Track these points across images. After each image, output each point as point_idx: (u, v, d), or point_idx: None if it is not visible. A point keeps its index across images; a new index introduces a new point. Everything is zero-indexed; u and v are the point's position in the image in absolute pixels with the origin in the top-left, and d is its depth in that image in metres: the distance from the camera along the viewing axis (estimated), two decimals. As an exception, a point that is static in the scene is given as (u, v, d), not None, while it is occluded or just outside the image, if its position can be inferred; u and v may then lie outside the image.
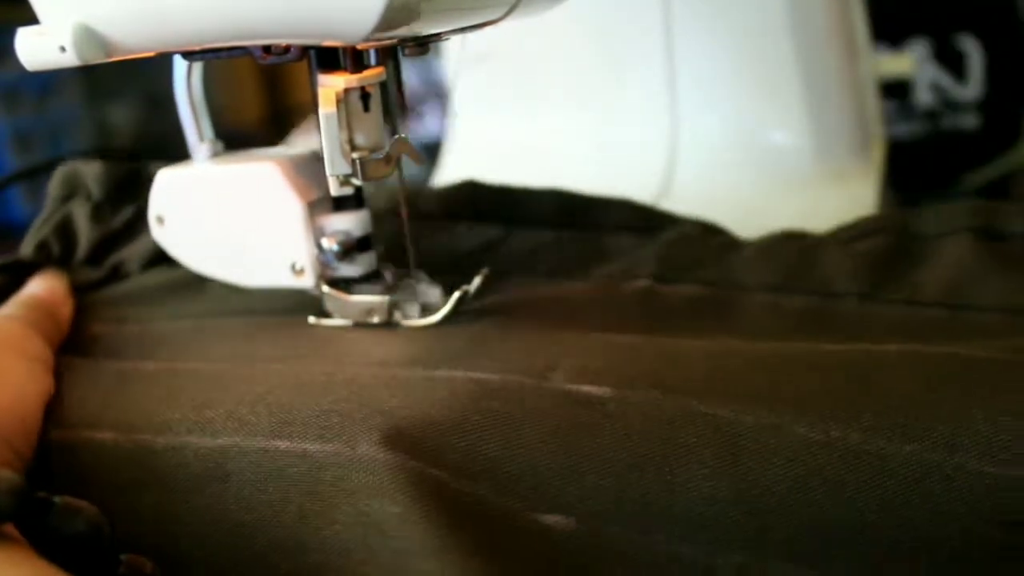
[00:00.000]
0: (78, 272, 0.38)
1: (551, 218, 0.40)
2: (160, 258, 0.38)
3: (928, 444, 0.25)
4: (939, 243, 0.35)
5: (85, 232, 0.39)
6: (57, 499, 0.24)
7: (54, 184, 0.40)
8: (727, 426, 0.26)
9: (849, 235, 0.37)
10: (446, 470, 0.26)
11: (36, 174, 0.82)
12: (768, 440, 0.25)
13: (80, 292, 0.37)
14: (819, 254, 0.36)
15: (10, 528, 0.23)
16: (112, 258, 0.39)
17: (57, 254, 0.39)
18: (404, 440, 0.26)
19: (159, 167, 0.36)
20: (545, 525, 0.25)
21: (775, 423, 0.26)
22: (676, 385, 0.27)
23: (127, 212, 0.40)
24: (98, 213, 0.39)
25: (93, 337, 0.35)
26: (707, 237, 0.39)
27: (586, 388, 0.28)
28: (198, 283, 0.37)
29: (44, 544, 0.23)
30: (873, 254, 0.35)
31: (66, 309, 0.36)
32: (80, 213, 0.39)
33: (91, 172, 0.40)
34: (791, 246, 0.37)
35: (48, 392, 0.31)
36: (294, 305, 0.36)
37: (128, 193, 0.40)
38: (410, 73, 0.81)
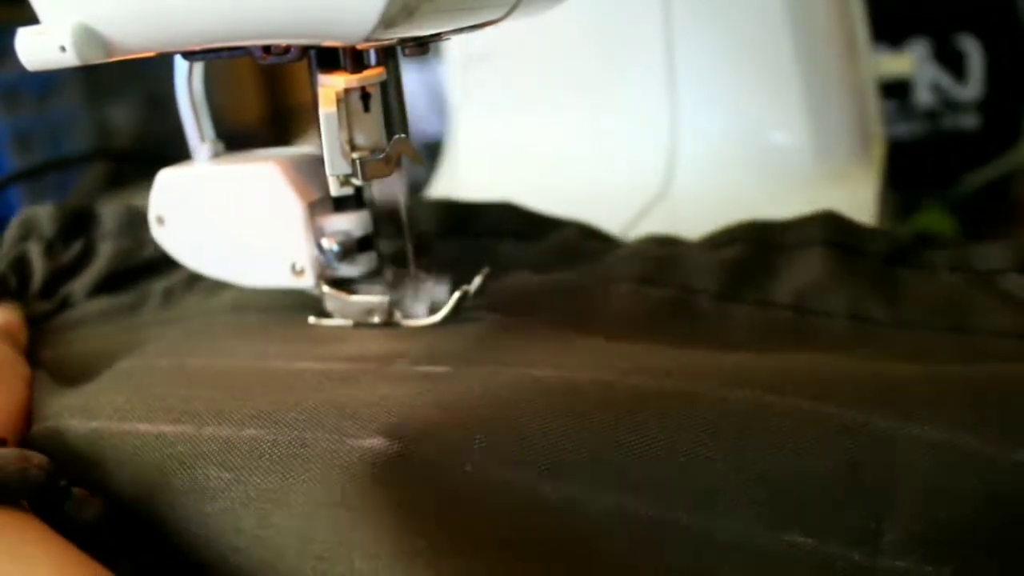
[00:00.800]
0: (33, 305, 0.41)
1: (438, 228, 0.41)
2: (103, 286, 0.41)
3: None
4: (795, 253, 0.38)
5: (39, 268, 0.42)
6: (74, 489, 0.26)
7: (12, 227, 0.43)
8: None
9: (713, 242, 0.39)
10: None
11: (36, 174, 0.82)
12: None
13: (34, 323, 0.40)
14: (683, 254, 0.38)
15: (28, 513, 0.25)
16: (62, 290, 0.42)
17: (14, 288, 0.41)
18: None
19: (108, 206, 0.41)
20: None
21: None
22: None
23: (76, 248, 0.42)
24: (50, 250, 0.42)
25: (43, 362, 0.36)
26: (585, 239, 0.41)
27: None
28: (136, 306, 0.40)
29: (57, 527, 0.25)
30: (732, 259, 0.37)
31: (22, 337, 0.38)
32: (34, 250, 0.42)
33: (44, 213, 0.43)
34: (660, 247, 0.39)
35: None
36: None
37: (78, 230, 0.43)
38: (410, 73, 0.81)
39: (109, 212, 0.43)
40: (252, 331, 0.36)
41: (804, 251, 0.38)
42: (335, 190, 0.33)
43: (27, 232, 0.43)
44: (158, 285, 0.41)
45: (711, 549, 0.25)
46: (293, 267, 0.34)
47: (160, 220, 0.36)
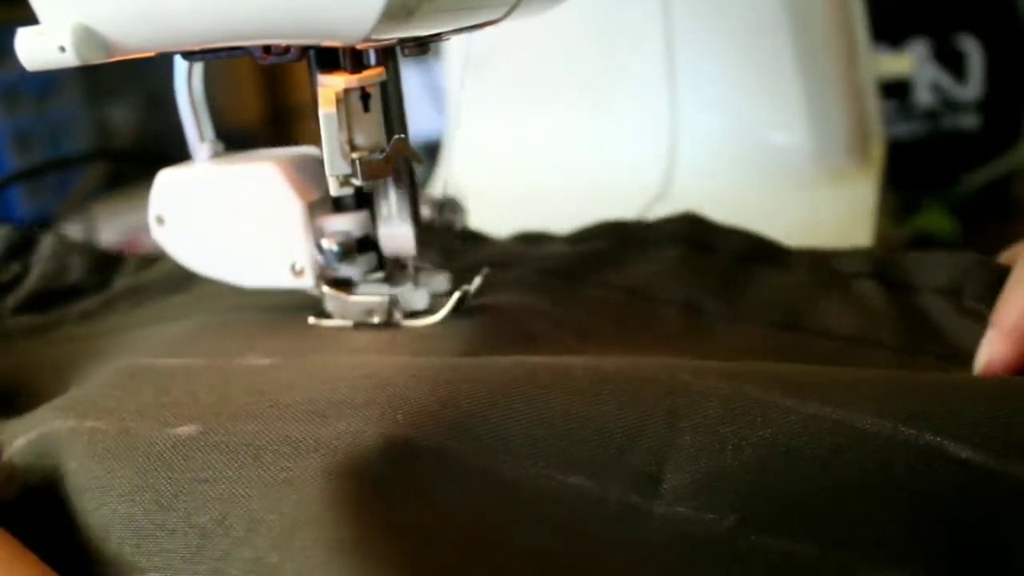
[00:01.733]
0: None
1: None
2: (29, 304, 0.44)
3: None
4: (650, 248, 0.40)
5: None
6: None
7: None
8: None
9: (577, 237, 0.42)
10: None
11: (36, 174, 0.82)
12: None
13: None
14: (546, 245, 0.42)
15: None
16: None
17: None
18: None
19: (48, 232, 0.45)
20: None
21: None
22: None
23: (15, 269, 0.45)
24: None
25: None
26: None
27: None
28: (57, 324, 0.42)
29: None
30: (587, 250, 0.40)
31: None
32: None
33: None
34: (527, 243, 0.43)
35: None
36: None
37: (17, 254, 0.46)
38: (410, 73, 0.81)
39: (46, 239, 0.47)
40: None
41: (658, 246, 0.40)
42: (335, 190, 0.33)
43: None
44: (76, 307, 0.43)
45: (500, 490, 0.25)
46: (293, 267, 0.34)
47: (160, 220, 0.36)
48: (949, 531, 0.25)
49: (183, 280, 0.43)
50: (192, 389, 0.30)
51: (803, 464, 0.25)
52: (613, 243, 0.41)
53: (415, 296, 0.34)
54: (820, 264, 0.39)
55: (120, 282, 0.45)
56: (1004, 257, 0.38)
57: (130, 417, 0.28)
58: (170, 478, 0.26)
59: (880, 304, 0.36)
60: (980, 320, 0.33)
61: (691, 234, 0.40)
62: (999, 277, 0.34)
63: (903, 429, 0.25)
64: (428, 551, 0.23)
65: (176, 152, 0.37)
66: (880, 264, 0.38)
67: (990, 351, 0.32)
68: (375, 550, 0.22)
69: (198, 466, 0.26)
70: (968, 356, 0.33)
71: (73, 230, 0.78)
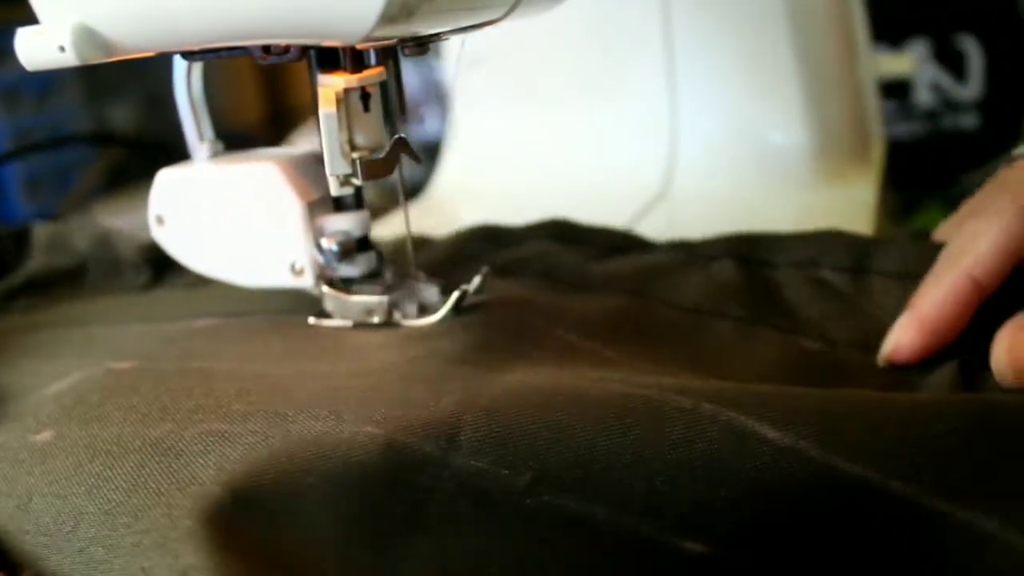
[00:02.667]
0: None
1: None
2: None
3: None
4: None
5: None
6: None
7: None
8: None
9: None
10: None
11: (31, 151, 0.82)
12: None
13: None
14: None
15: None
16: None
17: None
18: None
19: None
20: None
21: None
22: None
23: None
24: None
25: None
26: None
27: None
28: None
29: None
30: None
31: None
32: None
33: None
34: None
35: None
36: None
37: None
38: (410, 73, 0.81)
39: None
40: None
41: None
42: (335, 190, 0.33)
43: None
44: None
45: None
46: (292, 267, 0.34)
47: (160, 220, 0.36)
48: (752, 511, 0.25)
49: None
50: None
51: (605, 431, 0.26)
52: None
53: (414, 302, 0.34)
54: (682, 248, 0.39)
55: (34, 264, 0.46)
56: (938, 233, 0.38)
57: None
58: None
59: (732, 279, 0.37)
60: (836, 293, 0.34)
61: (558, 230, 0.41)
62: (862, 250, 0.36)
63: (707, 405, 0.26)
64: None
65: (177, 152, 0.37)
66: (741, 244, 0.38)
67: (898, 337, 0.32)
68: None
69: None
70: (815, 329, 0.33)
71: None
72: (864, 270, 0.36)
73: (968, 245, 0.33)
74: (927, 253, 0.34)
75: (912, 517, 0.24)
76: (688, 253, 0.39)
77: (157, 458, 0.26)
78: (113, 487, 0.26)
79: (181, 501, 0.24)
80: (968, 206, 0.37)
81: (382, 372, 0.30)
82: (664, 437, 0.25)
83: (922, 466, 0.24)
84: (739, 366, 0.32)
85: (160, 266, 0.44)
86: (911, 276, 0.34)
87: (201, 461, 0.26)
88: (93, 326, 0.39)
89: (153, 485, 0.25)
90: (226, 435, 0.27)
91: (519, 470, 0.25)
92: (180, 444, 0.27)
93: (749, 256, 0.38)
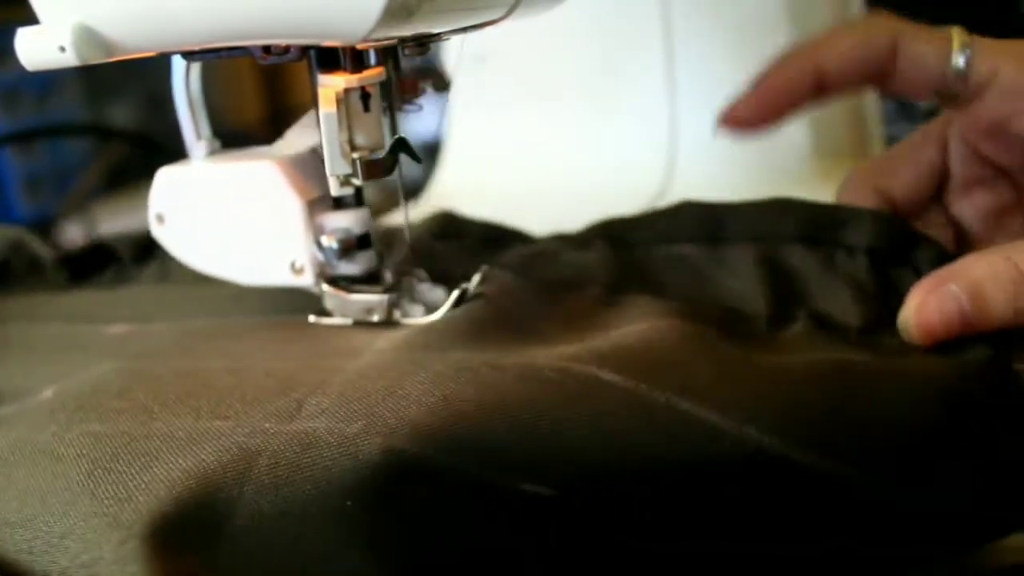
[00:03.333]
0: None
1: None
2: None
3: None
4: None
5: None
6: None
7: None
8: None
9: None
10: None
11: (27, 139, 0.82)
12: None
13: None
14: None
15: None
16: None
17: None
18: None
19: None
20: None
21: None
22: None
23: None
24: None
25: None
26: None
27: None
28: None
29: None
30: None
31: None
32: None
33: None
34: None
35: None
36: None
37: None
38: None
39: None
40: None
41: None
42: (335, 190, 0.33)
43: None
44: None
45: None
46: (292, 265, 0.34)
47: (160, 218, 0.36)
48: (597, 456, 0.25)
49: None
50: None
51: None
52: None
53: (414, 301, 0.34)
54: (563, 237, 0.40)
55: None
56: (843, 192, 0.39)
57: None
58: None
59: (602, 256, 0.37)
60: (691, 267, 0.35)
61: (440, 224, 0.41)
62: (715, 219, 0.36)
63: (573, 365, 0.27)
64: None
65: (177, 152, 0.37)
66: (613, 226, 0.39)
67: (736, 106, 0.34)
68: None
69: None
70: (681, 296, 0.34)
71: (73, 230, 0.78)
72: (718, 239, 0.36)
73: (823, 36, 0.35)
74: (779, 213, 0.35)
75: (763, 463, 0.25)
76: (565, 241, 0.39)
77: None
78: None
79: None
80: (874, 177, 0.39)
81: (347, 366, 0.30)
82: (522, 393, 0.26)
83: (787, 420, 0.25)
84: (611, 322, 0.32)
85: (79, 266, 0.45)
86: (767, 238, 0.35)
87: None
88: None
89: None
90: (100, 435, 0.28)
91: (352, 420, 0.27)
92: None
93: (616, 236, 0.38)
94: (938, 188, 0.38)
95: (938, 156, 0.38)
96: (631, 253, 0.37)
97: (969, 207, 0.38)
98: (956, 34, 0.35)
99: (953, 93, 0.35)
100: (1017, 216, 0.37)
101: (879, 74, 0.35)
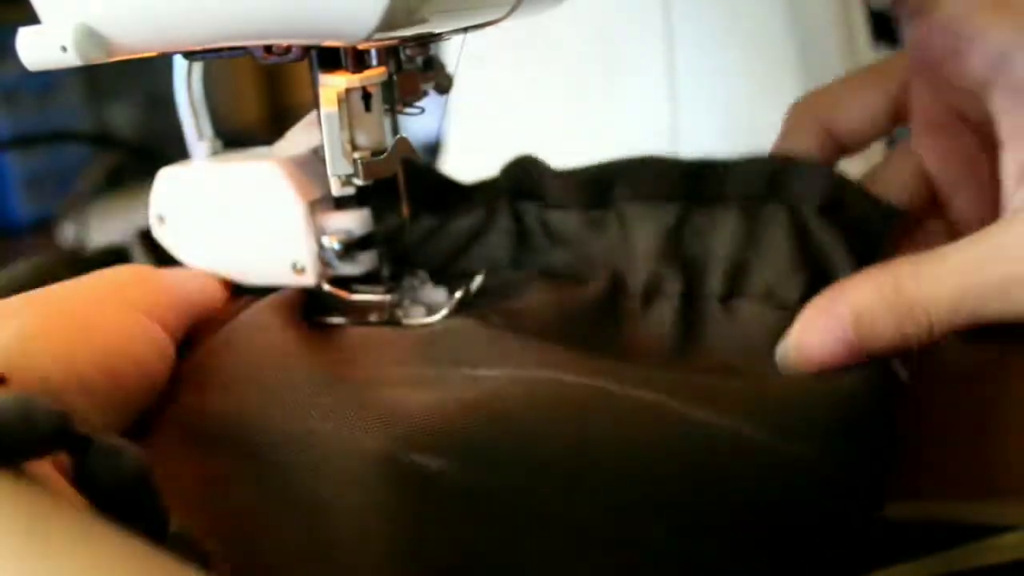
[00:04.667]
0: None
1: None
2: None
3: None
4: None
5: None
6: (95, 437, 0.21)
7: None
8: None
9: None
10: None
11: (29, 144, 0.82)
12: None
13: None
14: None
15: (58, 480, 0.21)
16: None
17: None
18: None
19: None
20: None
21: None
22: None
23: None
24: None
25: None
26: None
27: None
28: None
29: (89, 492, 0.21)
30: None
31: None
32: None
33: None
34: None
35: (160, 358, 0.30)
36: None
37: None
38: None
39: None
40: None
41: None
42: (336, 190, 0.33)
43: None
44: None
45: None
46: (294, 266, 0.34)
47: (161, 219, 0.36)
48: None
49: None
50: None
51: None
52: None
53: (416, 302, 0.34)
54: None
55: None
56: (785, 124, 0.38)
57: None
58: None
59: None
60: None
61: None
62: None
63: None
64: None
65: (177, 152, 0.37)
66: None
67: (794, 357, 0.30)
68: None
69: None
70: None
71: (72, 231, 0.78)
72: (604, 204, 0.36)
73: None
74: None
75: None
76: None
77: None
78: None
79: None
80: (819, 110, 0.37)
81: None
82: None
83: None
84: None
85: None
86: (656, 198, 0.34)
87: None
88: None
89: None
90: None
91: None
92: None
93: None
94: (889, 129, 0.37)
95: (892, 91, 0.36)
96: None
97: (932, 153, 0.36)
98: None
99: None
100: (984, 164, 0.34)
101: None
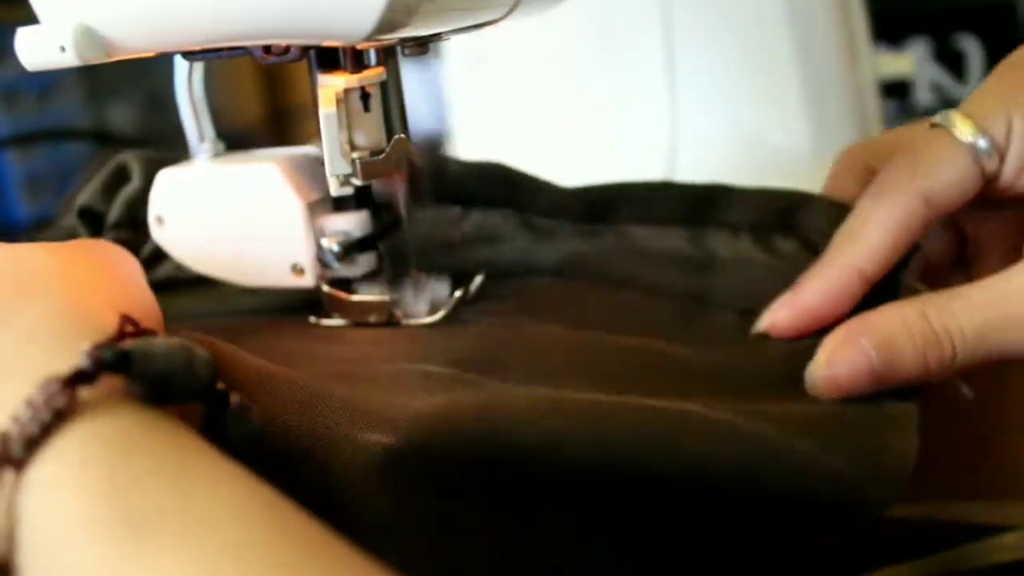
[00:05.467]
0: None
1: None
2: None
3: None
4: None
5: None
6: (232, 396, 0.23)
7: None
8: None
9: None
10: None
11: (27, 142, 0.82)
12: None
13: None
14: None
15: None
16: None
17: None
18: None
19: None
20: None
21: None
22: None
23: None
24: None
25: None
26: None
27: None
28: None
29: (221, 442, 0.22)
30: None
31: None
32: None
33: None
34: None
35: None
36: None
37: None
38: (410, 73, 0.81)
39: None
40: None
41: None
42: (335, 190, 0.33)
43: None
44: None
45: None
46: (293, 267, 0.34)
47: (160, 220, 0.36)
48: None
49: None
50: None
51: None
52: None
53: (415, 302, 0.34)
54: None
55: None
56: (836, 167, 0.38)
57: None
58: None
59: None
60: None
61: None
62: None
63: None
64: None
65: (177, 152, 0.37)
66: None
67: (776, 316, 0.32)
68: None
69: None
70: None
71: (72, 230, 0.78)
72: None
73: (860, 232, 0.32)
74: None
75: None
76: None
77: None
78: None
79: None
80: (869, 157, 0.37)
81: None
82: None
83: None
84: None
85: None
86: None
87: None
88: None
89: None
90: None
91: None
92: None
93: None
94: None
95: None
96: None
97: (969, 215, 0.36)
98: (958, 120, 0.32)
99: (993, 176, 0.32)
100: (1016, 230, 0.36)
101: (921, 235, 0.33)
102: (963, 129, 0.32)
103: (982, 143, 0.31)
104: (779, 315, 0.32)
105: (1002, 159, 0.32)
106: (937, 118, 0.32)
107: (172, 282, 0.42)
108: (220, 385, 0.23)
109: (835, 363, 0.29)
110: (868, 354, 0.29)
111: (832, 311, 0.31)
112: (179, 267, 0.41)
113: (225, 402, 0.23)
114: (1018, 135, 0.31)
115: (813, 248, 0.34)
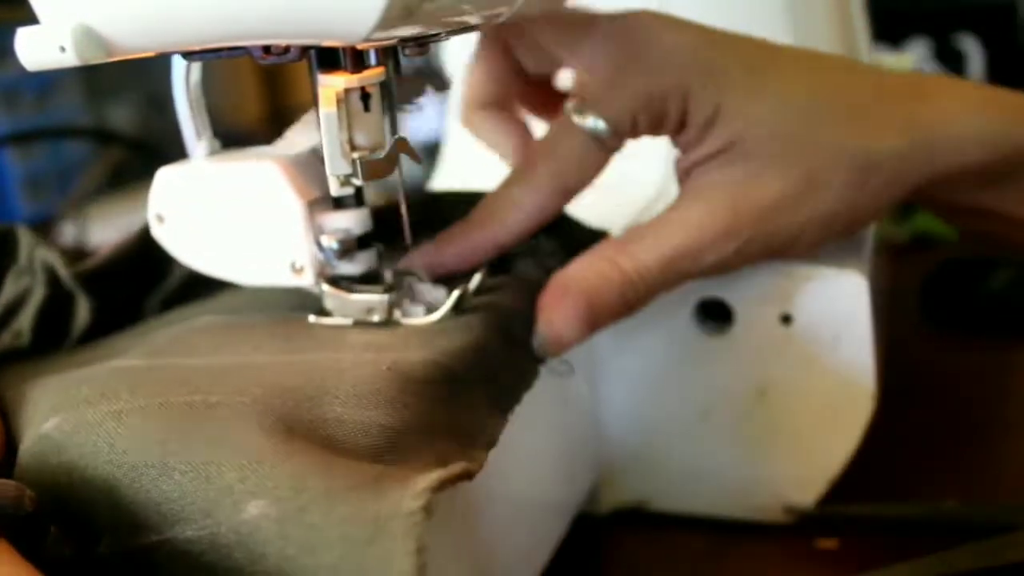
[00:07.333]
0: None
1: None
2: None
3: None
4: None
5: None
6: (52, 527, 0.25)
7: None
8: None
9: None
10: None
11: (27, 139, 0.82)
12: None
13: None
14: None
15: None
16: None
17: None
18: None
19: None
20: None
21: None
22: None
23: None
24: None
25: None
26: None
27: None
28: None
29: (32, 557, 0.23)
30: None
31: None
32: None
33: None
34: None
35: None
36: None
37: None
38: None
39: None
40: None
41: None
42: (335, 190, 0.33)
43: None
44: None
45: None
46: (292, 265, 0.34)
47: (159, 218, 0.36)
48: None
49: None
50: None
51: None
52: None
53: (413, 308, 0.34)
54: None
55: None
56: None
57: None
58: None
59: None
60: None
61: None
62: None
63: None
64: None
65: (176, 152, 0.37)
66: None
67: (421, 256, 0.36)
68: None
69: None
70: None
71: (72, 230, 0.78)
72: None
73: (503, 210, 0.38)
74: None
75: None
76: None
77: None
78: None
79: None
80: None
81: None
82: None
83: None
84: None
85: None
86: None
87: None
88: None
89: None
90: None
91: None
92: None
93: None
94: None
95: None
96: None
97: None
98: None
99: None
100: None
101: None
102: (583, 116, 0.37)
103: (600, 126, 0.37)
104: (417, 260, 0.36)
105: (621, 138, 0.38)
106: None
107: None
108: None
109: (553, 322, 0.34)
110: (578, 308, 0.34)
111: (465, 269, 0.36)
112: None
113: (46, 532, 0.25)
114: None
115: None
